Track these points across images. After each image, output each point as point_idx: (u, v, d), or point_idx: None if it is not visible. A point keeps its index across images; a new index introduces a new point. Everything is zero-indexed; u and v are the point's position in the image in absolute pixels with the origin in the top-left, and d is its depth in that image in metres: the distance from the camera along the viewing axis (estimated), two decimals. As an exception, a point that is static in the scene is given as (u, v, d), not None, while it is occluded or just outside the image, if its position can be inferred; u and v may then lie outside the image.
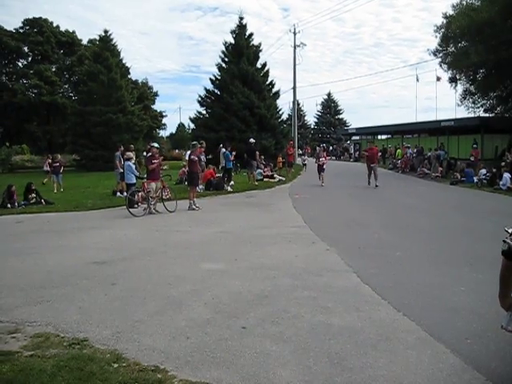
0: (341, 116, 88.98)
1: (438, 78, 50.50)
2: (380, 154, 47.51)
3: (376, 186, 22.50)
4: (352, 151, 58.28)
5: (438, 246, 9.90)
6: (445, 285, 6.99)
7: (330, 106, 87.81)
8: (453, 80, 35.28)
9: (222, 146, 25.25)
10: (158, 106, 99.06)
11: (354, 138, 65.18)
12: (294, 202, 17.63)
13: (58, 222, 14.73)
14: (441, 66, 35.14)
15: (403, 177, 31.30)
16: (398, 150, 41.75)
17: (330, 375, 4.30)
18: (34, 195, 18.99)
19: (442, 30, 32.48)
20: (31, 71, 54.21)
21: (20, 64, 58.17)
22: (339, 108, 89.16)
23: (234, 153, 24.10)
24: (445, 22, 32.25)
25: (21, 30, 56.66)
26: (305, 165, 38.40)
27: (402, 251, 9.30)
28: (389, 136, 57.90)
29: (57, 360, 4.66)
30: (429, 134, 45.18)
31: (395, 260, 8.63)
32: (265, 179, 26.72)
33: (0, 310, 6.27)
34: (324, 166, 24.93)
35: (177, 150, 73.19)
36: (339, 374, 4.32)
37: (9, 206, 17.72)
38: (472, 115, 35.42)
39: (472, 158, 28.26)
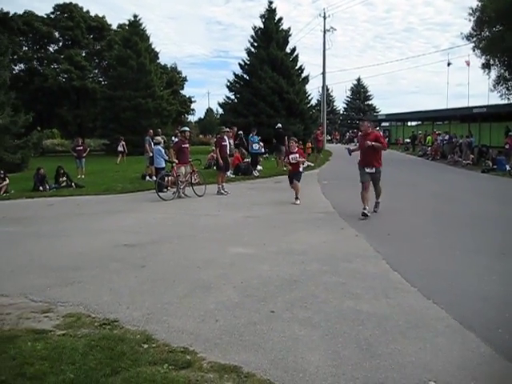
0: (370, 102, 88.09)
1: (468, 63, 49.65)
2: (409, 140, 47.18)
3: (375, 211, 11.96)
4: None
5: (469, 234, 9.75)
6: (476, 273, 6.89)
7: (359, 92, 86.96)
8: (486, 65, 34.42)
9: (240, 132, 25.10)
10: (186, 91, 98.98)
11: (383, 124, 64.51)
12: (323, 188, 17.59)
13: (89, 205, 14.93)
14: (474, 50, 34.23)
15: (433, 164, 30.94)
16: (428, 137, 41.23)
17: (358, 361, 4.30)
18: (64, 178, 19.28)
19: (477, 13, 31.74)
20: (62, 56, 54.67)
21: (51, 49, 58.68)
22: (369, 94, 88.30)
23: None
24: (480, 5, 31.45)
25: (52, 16, 57.09)
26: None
27: (432, 238, 9.20)
28: (419, 122, 57.20)
29: (88, 339, 4.74)
30: (460, 121, 44.48)
31: (425, 247, 8.54)
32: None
33: (33, 290, 6.40)
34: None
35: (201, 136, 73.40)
36: (368, 359, 4.31)
37: (40, 188, 18.01)
38: (505, 102, 34.71)
39: (507, 146, 27.52)
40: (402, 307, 5.58)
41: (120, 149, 32.57)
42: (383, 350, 4.51)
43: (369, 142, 11.21)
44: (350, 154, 12.39)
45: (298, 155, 14.48)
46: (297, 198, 14.04)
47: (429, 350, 4.48)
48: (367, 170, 11.50)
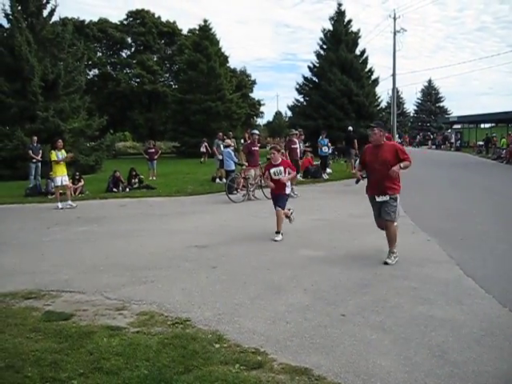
0: (441, 104, 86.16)
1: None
2: (483, 143, 45.76)
3: (386, 262, 7.62)
4: (453, 140, 56.34)
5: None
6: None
7: (430, 94, 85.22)
8: None
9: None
10: (255, 94, 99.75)
11: (455, 126, 62.96)
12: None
13: (160, 206, 15.28)
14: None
15: (508, 167, 29.91)
16: (503, 140, 39.96)
17: (431, 367, 4.22)
18: (136, 180, 19.79)
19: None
20: (134, 61, 56.32)
21: (124, 54, 60.56)
22: (440, 95, 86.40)
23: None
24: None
25: (125, 22, 58.93)
26: None
27: (507, 244, 8.88)
28: (493, 125, 55.44)
29: (161, 337, 4.86)
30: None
31: (500, 253, 8.27)
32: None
33: (108, 288, 6.62)
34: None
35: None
36: (441, 366, 4.23)
37: (114, 190, 18.55)
38: None
39: None
40: (477, 314, 5.44)
41: (203, 149, 34.61)
42: (457, 357, 4.40)
43: (395, 169, 7.47)
44: (357, 183, 8.51)
45: (282, 168, 9.97)
46: (278, 233, 9.74)
47: (506, 360, 4.34)
48: (378, 200, 7.75)
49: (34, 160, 20.05)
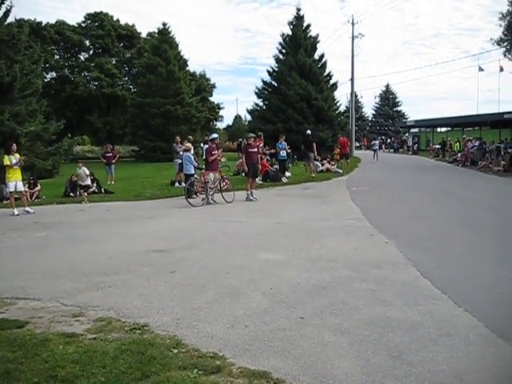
0: (399, 108, 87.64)
1: (501, 69, 48.99)
2: (439, 146, 46.69)
3: None
4: (410, 144, 57.30)
5: (501, 241, 9.59)
6: (509, 282, 6.79)
7: (388, 98, 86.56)
8: (518, 71, 33.93)
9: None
10: (215, 97, 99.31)
11: (412, 130, 64.07)
12: (352, 195, 17.46)
13: (118, 210, 15.09)
14: (505, 55, 33.67)
15: (463, 170, 30.53)
16: (457, 143, 40.88)
17: (388, 368, 4.26)
18: (94, 184, 19.51)
19: (508, 17, 31.24)
20: (92, 64, 55.62)
21: (82, 57, 59.83)
22: (397, 100, 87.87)
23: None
24: (510, 9, 31.09)
25: (83, 25, 58.20)
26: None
27: (463, 246, 9.08)
28: (449, 129, 56.62)
29: (119, 343, 4.79)
30: (491, 127, 43.90)
31: (456, 254, 8.44)
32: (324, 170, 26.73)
33: (65, 294, 6.49)
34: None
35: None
36: (398, 367, 4.28)
37: (71, 194, 18.25)
38: (538, 107, 34.17)
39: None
40: (433, 315, 5.52)
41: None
42: (414, 357, 4.46)
43: None
44: None
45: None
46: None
47: (461, 359, 4.42)
48: None
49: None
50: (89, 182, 16.96)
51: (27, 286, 6.98)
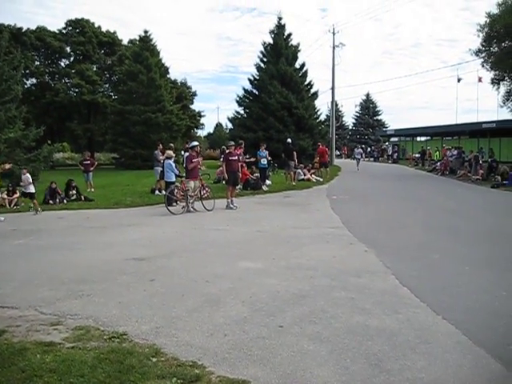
0: (379, 117, 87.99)
1: (480, 79, 49.49)
2: (419, 155, 47.09)
3: None
4: (390, 153, 57.69)
5: (479, 249, 9.72)
6: (486, 289, 6.87)
7: (368, 107, 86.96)
8: (495, 81, 34.31)
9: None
10: (196, 105, 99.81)
11: (392, 139, 64.54)
12: (332, 203, 17.52)
13: (98, 218, 14.99)
14: (483, 66, 34.05)
15: (442, 179, 30.80)
16: (436, 152, 41.29)
17: (367, 376, 4.28)
18: (74, 192, 19.40)
19: (486, 29, 31.61)
20: (73, 71, 55.06)
21: (62, 64, 59.19)
22: (378, 109, 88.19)
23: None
24: (488, 21, 31.39)
25: (64, 31, 57.69)
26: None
27: (442, 254, 9.16)
28: (428, 138, 57.18)
29: (97, 352, 4.76)
30: (469, 136, 44.44)
31: (434, 262, 8.52)
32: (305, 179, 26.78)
33: (43, 303, 6.42)
34: None
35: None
36: (377, 375, 4.30)
37: (50, 202, 18.10)
38: (515, 117, 34.62)
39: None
40: (412, 323, 5.56)
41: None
42: (392, 365, 4.48)
43: None
44: None
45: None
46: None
47: (439, 366, 4.46)
48: None
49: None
50: (33, 189, 16.75)
51: (5, 294, 6.91)
